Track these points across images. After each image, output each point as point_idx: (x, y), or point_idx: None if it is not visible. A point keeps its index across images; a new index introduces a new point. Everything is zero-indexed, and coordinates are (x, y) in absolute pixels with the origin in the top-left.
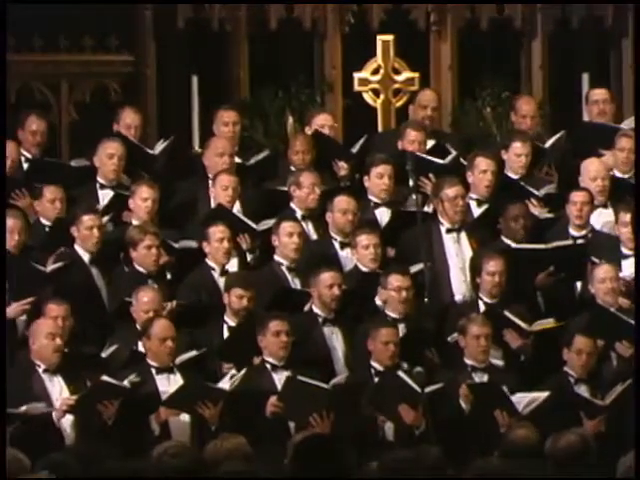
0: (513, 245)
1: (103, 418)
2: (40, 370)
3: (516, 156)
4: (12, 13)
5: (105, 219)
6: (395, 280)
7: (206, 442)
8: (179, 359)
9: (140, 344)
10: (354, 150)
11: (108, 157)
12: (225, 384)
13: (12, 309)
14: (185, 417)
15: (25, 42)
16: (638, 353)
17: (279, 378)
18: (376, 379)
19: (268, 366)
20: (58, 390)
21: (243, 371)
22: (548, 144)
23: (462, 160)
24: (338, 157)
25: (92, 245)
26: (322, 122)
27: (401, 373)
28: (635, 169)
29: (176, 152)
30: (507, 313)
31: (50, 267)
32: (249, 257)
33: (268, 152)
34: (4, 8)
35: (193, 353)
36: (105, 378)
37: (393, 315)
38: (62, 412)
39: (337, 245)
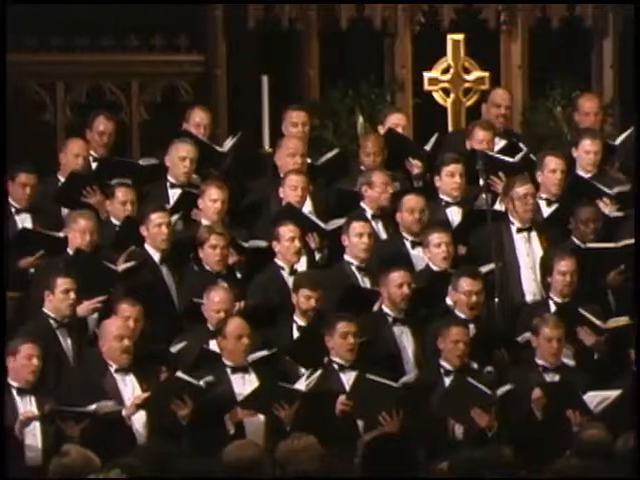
0: (583, 245)
1: (177, 417)
2: (112, 370)
3: (585, 153)
4: (82, 13)
5: (174, 217)
6: (466, 284)
7: (279, 442)
8: (250, 357)
9: (212, 344)
10: (427, 148)
11: (180, 159)
12: (301, 385)
13: (83, 308)
14: (260, 417)
15: (95, 42)
16: (639, 352)
17: (347, 378)
18: (446, 379)
19: (335, 366)
20: (130, 389)
21: (318, 372)
22: (618, 141)
23: (532, 157)
24: (412, 155)
25: (161, 242)
26: (396, 121)
27: (471, 379)
28: (636, 170)
29: (245, 149)
30: (581, 310)
31: (122, 266)
32: (317, 256)
33: (337, 150)
34: (4, 8)
35: (264, 352)
36: (180, 374)
37: (463, 316)
38: (135, 408)
39: (408, 244)
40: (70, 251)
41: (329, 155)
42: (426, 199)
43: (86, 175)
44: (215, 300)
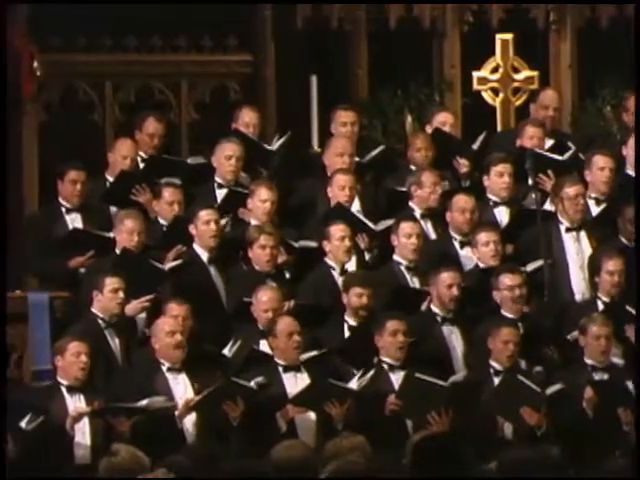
0: (630, 244)
1: (228, 418)
2: (164, 369)
3: (633, 150)
4: (132, 13)
5: (224, 220)
6: (507, 279)
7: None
8: (301, 357)
9: (262, 344)
10: (475, 146)
11: (226, 158)
12: (353, 384)
13: (131, 307)
14: (312, 415)
15: (145, 42)
16: (638, 352)
17: (396, 378)
18: (495, 379)
19: (385, 366)
20: (182, 389)
21: (371, 372)
22: None
23: (581, 156)
24: (459, 154)
25: (210, 240)
26: (443, 120)
27: (521, 376)
28: (635, 169)
29: (294, 148)
30: (629, 308)
31: (168, 265)
32: (367, 257)
33: (383, 147)
34: (4, 8)
35: (314, 353)
36: (233, 378)
37: (510, 315)
38: (187, 410)
39: (457, 244)
40: (117, 251)
41: (375, 152)
42: (474, 199)
43: (135, 174)
44: (263, 299)
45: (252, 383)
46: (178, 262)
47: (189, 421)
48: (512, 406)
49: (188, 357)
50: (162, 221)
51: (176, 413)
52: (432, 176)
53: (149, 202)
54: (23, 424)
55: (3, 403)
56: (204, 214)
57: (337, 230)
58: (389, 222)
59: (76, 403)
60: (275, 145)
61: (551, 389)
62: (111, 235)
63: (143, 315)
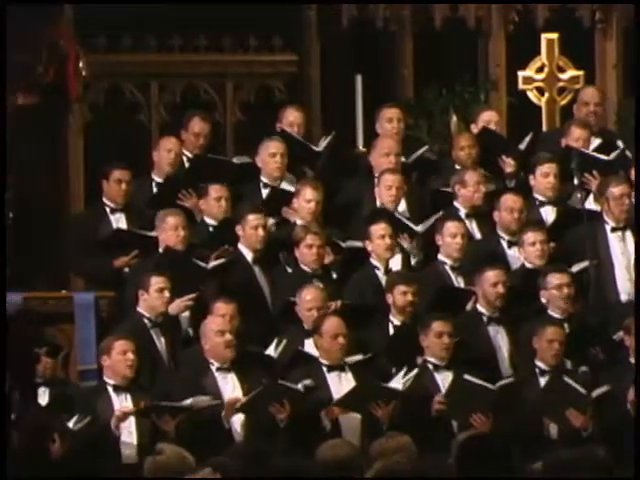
0: None
1: (275, 419)
2: (213, 368)
3: None
4: (177, 13)
5: (270, 221)
6: (554, 279)
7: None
8: (347, 360)
9: (307, 343)
10: (521, 147)
11: (270, 156)
12: (397, 384)
13: (174, 306)
14: (356, 415)
15: (190, 42)
16: (638, 352)
17: (441, 378)
18: (540, 379)
19: (430, 366)
20: (231, 388)
21: (415, 371)
22: None
23: (628, 154)
24: (505, 153)
25: (257, 243)
26: (488, 118)
27: (567, 378)
28: (635, 172)
29: (339, 149)
30: None
31: (212, 264)
32: (413, 260)
33: (427, 147)
34: (4, 8)
35: (359, 357)
36: (280, 380)
37: (557, 315)
38: (232, 411)
39: (505, 244)
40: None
41: (419, 152)
42: (522, 198)
43: (181, 178)
44: (307, 298)
45: (299, 386)
46: (221, 261)
47: (237, 421)
48: (558, 408)
49: (239, 357)
50: (208, 220)
51: (222, 414)
52: (475, 175)
53: (195, 205)
54: (70, 424)
55: (4, 402)
56: (252, 218)
57: (377, 229)
58: (430, 221)
59: (122, 403)
60: (321, 146)
61: (597, 391)
62: (155, 234)
63: (186, 314)
